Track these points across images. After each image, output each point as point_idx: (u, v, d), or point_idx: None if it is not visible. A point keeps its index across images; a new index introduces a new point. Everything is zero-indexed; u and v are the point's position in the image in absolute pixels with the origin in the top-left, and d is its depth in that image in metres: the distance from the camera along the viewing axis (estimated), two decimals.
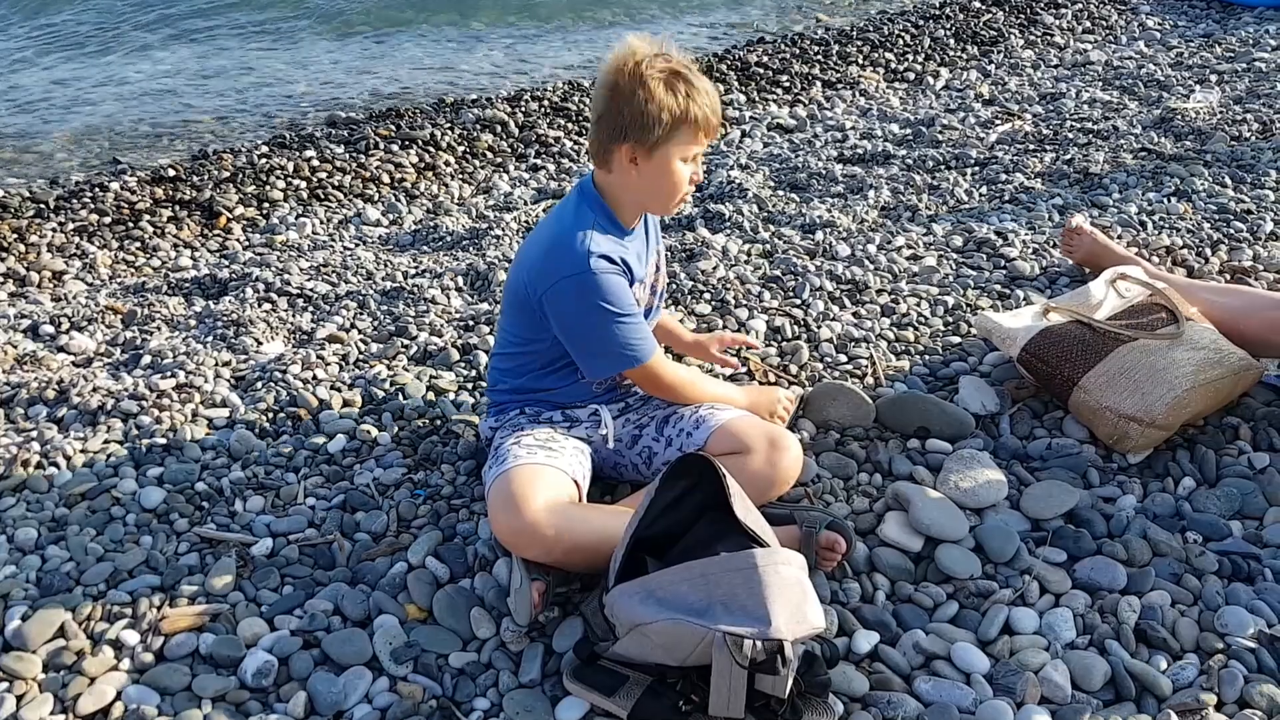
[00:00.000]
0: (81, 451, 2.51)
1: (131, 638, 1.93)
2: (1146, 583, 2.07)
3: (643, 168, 2.07)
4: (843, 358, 2.86)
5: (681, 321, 3.08)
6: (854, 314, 3.11)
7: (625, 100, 2.00)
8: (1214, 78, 5.65)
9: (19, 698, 1.81)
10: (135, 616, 1.98)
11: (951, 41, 7.07)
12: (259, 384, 2.80)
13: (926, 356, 2.86)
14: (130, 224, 4.52)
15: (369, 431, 2.58)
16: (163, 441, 2.53)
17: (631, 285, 2.14)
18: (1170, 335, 2.49)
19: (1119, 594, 2.04)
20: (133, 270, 4.09)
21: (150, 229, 4.46)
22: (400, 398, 2.72)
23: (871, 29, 7.63)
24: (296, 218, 4.55)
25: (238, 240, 4.38)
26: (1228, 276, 3.20)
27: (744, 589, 1.67)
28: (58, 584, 2.07)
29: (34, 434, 2.58)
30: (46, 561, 2.14)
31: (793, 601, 1.68)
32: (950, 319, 3.05)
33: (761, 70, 6.58)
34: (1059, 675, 1.85)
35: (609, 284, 2.05)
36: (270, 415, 2.66)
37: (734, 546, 1.78)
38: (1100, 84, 5.73)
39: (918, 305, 3.13)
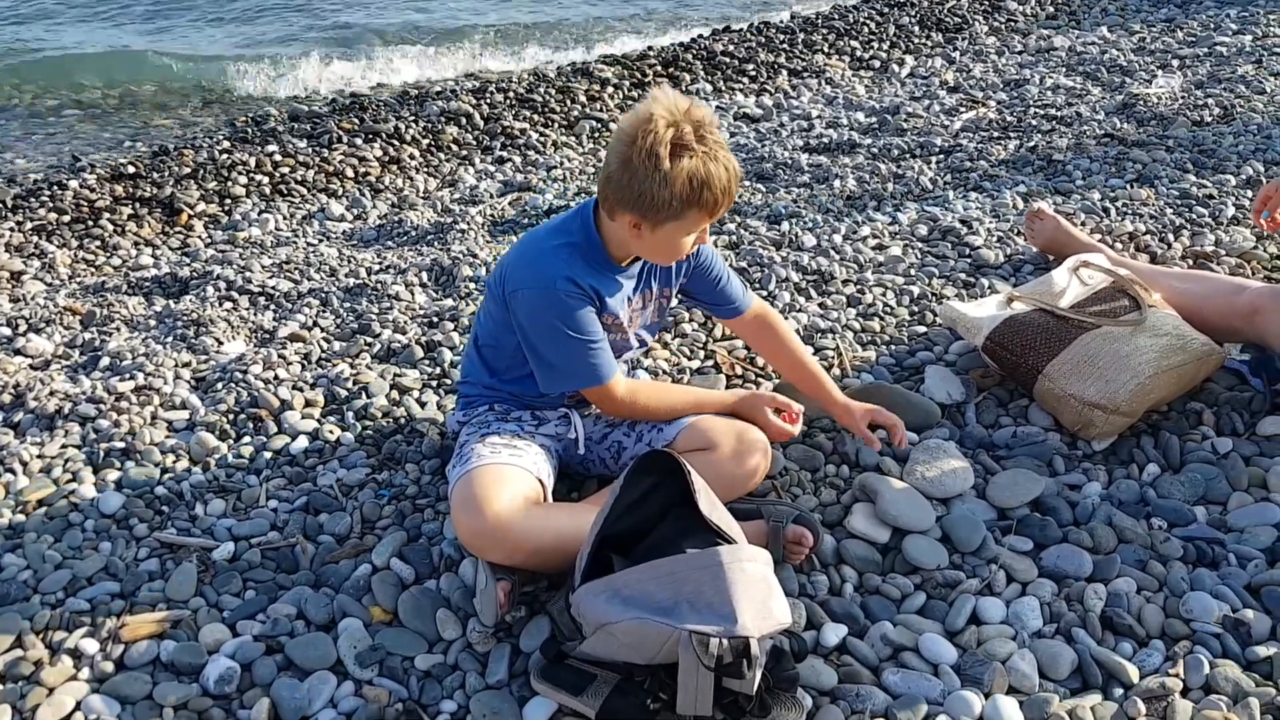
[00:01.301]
0: (39, 457, 2.46)
1: (91, 646, 1.89)
2: (1112, 570, 2.08)
3: (645, 235, 1.99)
4: (809, 349, 2.85)
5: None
6: (820, 305, 3.11)
7: (637, 177, 1.90)
8: (1176, 63, 5.69)
9: None
10: (94, 625, 1.95)
11: (916, 29, 7.09)
12: (219, 385, 2.76)
13: (893, 346, 2.86)
14: (90, 222, 4.45)
15: (332, 431, 2.55)
16: (121, 445, 2.49)
17: (602, 315, 2.10)
18: (1133, 322, 2.50)
19: (1085, 581, 2.05)
20: (93, 269, 4.03)
21: (110, 227, 4.40)
22: (364, 396, 2.69)
23: (837, 17, 7.64)
24: (259, 214, 4.50)
25: (199, 237, 4.33)
26: (1190, 262, 3.22)
27: (710, 587, 1.66)
28: (14, 593, 2.02)
29: None
30: (3, 570, 2.09)
31: (758, 598, 1.67)
32: (916, 308, 3.06)
33: (728, 60, 6.57)
34: (1026, 665, 1.85)
35: (569, 307, 2.01)
36: (231, 417, 2.62)
37: (700, 543, 1.77)
38: (1064, 70, 5.76)
39: (883, 295, 3.13)
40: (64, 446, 2.51)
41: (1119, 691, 1.82)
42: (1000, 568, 2.08)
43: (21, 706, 1.78)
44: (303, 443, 2.51)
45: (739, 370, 2.75)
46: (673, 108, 1.90)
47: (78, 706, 1.78)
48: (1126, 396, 2.35)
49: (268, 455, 2.47)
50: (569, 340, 2.04)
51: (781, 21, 7.66)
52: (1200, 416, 2.51)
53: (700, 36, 7.44)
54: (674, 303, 2.36)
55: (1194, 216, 3.54)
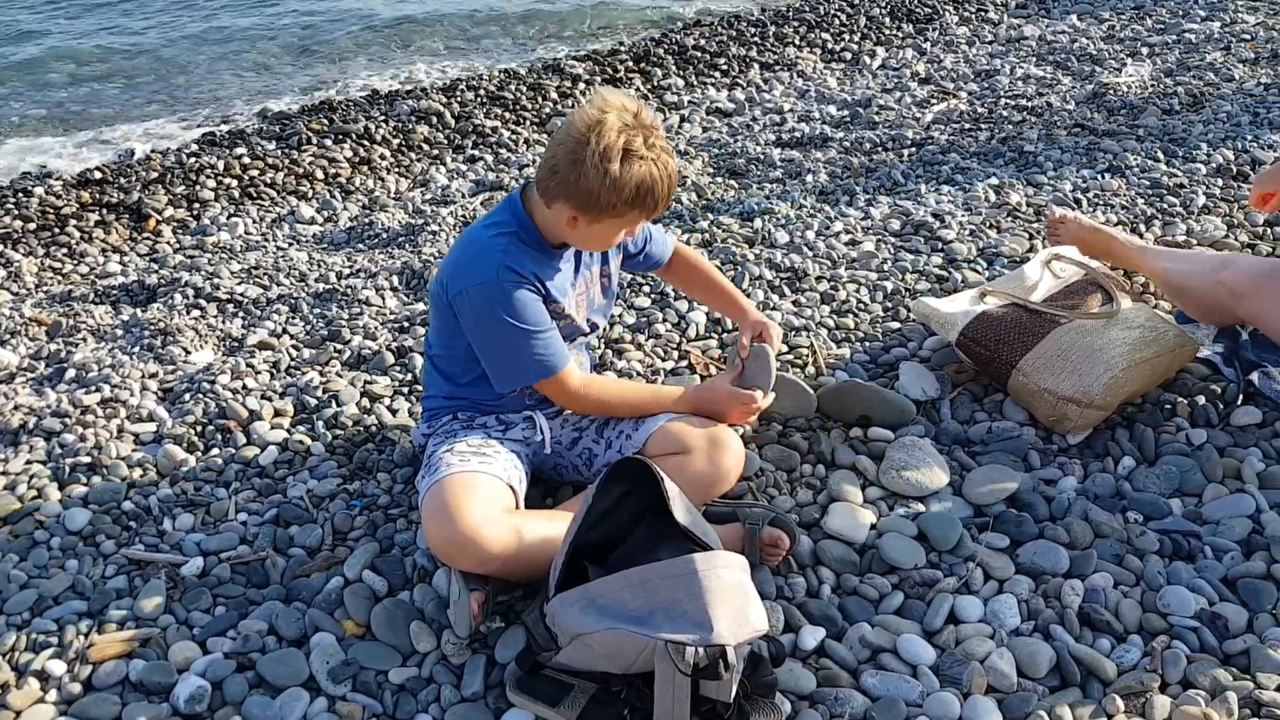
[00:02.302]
0: (2, 474, 2.42)
1: (58, 668, 1.86)
2: (1089, 565, 2.07)
3: (580, 228, 2.01)
4: (783, 347, 2.84)
5: (620, 316, 3.05)
6: (794, 302, 3.09)
7: (586, 177, 1.92)
8: (1145, 50, 5.70)
9: None
10: (62, 645, 1.92)
11: (887, 20, 7.08)
12: (187, 396, 2.72)
13: (867, 343, 2.85)
14: (56, 230, 4.38)
15: (302, 441, 2.51)
16: (87, 460, 2.45)
17: (547, 302, 2.09)
18: (1106, 314, 2.50)
19: (1062, 577, 2.04)
20: (60, 278, 3.97)
21: (77, 234, 4.33)
22: (334, 405, 2.66)
23: (807, 9, 7.62)
24: (228, 218, 4.44)
25: (168, 243, 4.27)
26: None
27: (685, 595, 1.65)
28: None
29: None
30: None
31: (735, 605, 1.66)
32: (889, 304, 3.05)
33: (699, 53, 6.54)
34: (1004, 664, 1.85)
35: (514, 297, 2.01)
36: (199, 428, 2.58)
37: (675, 551, 1.75)
38: (1034, 60, 5.76)
39: (857, 291, 3.12)
40: (29, 462, 2.47)
41: (1098, 689, 1.81)
42: (977, 565, 2.07)
43: None
44: (272, 453, 2.48)
45: (713, 370, 2.74)
46: (623, 111, 1.94)
47: None
48: (1100, 390, 2.35)
49: (236, 467, 2.44)
50: (516, 333, 2.03)
51: (752, 15, 7.63)
52: (1175, 408, 2.51)
53: (671, 30, 7.41)
54: (616, 280, 2.36)
55: (1165, 206, 3.54)
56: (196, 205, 4.62)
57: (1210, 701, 1.78)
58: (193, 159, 5.09)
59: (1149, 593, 2.01)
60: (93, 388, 2.78)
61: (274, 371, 2.88)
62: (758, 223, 3.70)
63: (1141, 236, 3.31)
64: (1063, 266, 2.72)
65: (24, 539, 2.21)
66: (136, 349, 3.05)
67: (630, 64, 6.41)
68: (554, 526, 1.92)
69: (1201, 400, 2.51)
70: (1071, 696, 1.80)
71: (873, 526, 2.18)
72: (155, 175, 4.90)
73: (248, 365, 2.88)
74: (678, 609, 1.64)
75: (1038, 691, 1.81)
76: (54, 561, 2.15)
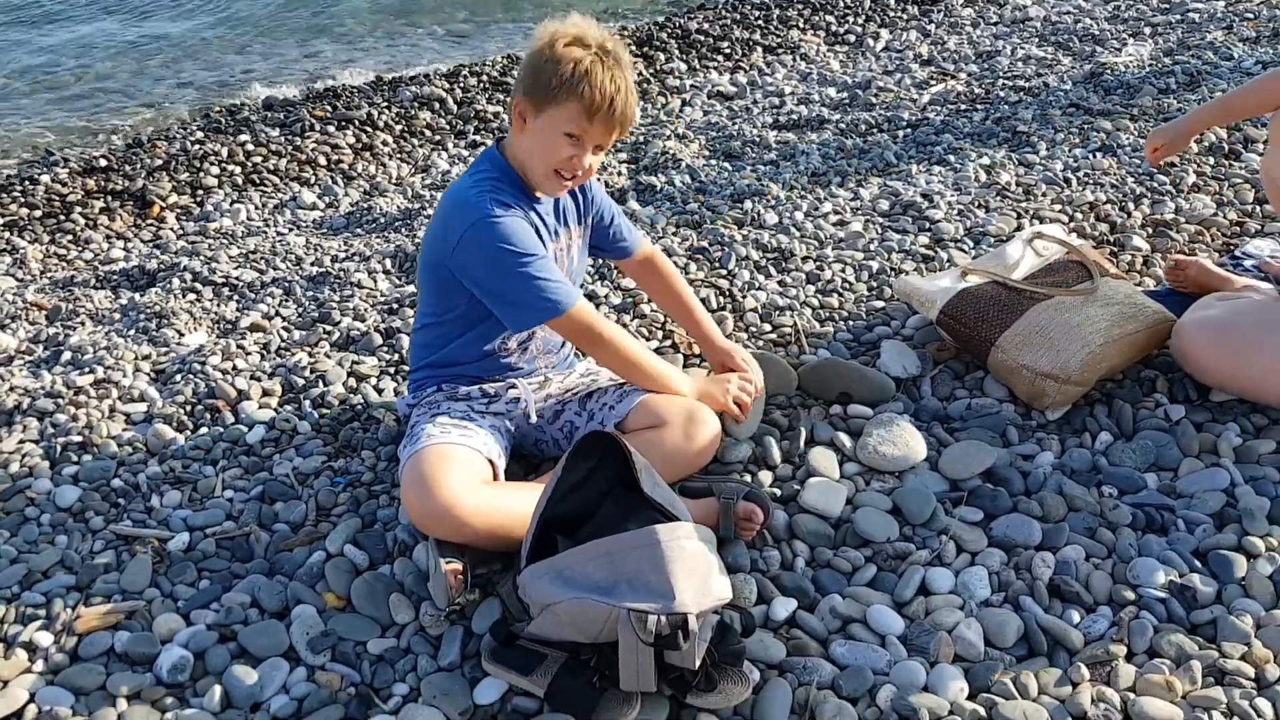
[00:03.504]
0: None
1: (45, 639, 1.91)
2: (1061, 538, 2.10)
3: (530, 127, 2.08)
4: (767, 326, 2.86)
5: (606, 297, 3.08)
6: (779, 282, 3.12)
7: (534, 55, 2.05)
8: (1148, 30, 5.68)
9: None
10: (50, 618, 1.96)
11: (892, 2, 7.07)
12: (178, 377, 2.77)
13: (850, 322, 2.87)
14: (62, 216, 4.46)
15: (289, 420, 2.56)
16: (79, 439, 2.51)
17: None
18: (1085, 291, 2.51)
19: (1034, 550, 2.06)
20: (64, 264, 4.03)
21: (82, 221, 4.40)
22: (321, 385, 2.70)
23: None
24: (231, 204, 4.50)
25: (171, 229, 4.33)
26: (1150, 230, 3.23)
27: (648, 565, 1.68)
28: None
29: None
30: None
31: (698, 575, 1.69)
32: (874, 284, 3.07)
33: (702, 38, 6.55)
34: (972, 633, 1.87)
35: (507, 226, 2.05)
36: (188, 408, 2.63)
37: (644, 522, 1.78)
38: (1037, 40, 5.75)
39: (842, 271, 3.14)
40: (21, 442, 2.52)
41: (1064, 658, 1.84)
42: (950, 538, 2.09)
43: None
44: (259, 432, 2.53)
45: (697, 351, 2.76)
46: (588, 22, 2.09)
47: (31, 699, 1.80)
48: (1078, 365, 2.36)
49: (224, 445, 2.49)
50: (520, 262, 2.05)
51: None
52: (1154, 384, 2.53)
53: (675, 14, 7.42)
54: (584, 250, 2.41)
55: (1155, 185, 3.54)
56: (200, 192, 4.68)
57: (1174, 670, 1.80)
58: (197, 146, 5.14)
59: (1120, 565, 2.03)
60: (86, 369, 2.83)
61: (264, 353, 2.93)
62: (747, 204, 3.72)
63: (1130, 215, 3.31)
64: (1045, 245, 2.74)
65: (15, 515, 2.27)
66: (131, 332, 3.11)
67: (633, 49, 6.42)
68: (529, 498, 1.95)
69: (1180, 376, 2.52)
70: (1038, 665, 1.82)
71: (848, 501, 2.20)
72: (160, 163, 4.96)
73: (238, 347, 2.93)
74: (641, 579, 1.67)
75: (1004, 660, 1.83)
76: (44, 537, 2.20)
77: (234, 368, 2.80)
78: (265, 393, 2.69)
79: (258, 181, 4.78)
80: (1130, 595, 1.96)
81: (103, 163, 5.03)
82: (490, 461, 2.10)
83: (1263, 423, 2.38)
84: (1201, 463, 2.28)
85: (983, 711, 1.73)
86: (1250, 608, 1.91)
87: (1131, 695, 1.75)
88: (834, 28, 6.62)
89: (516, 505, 1.97)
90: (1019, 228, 3.30)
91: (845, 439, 2.37)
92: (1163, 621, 1.90)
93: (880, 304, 2.94)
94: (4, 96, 6.58)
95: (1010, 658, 1.85)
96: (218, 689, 1.81)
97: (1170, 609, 1.93)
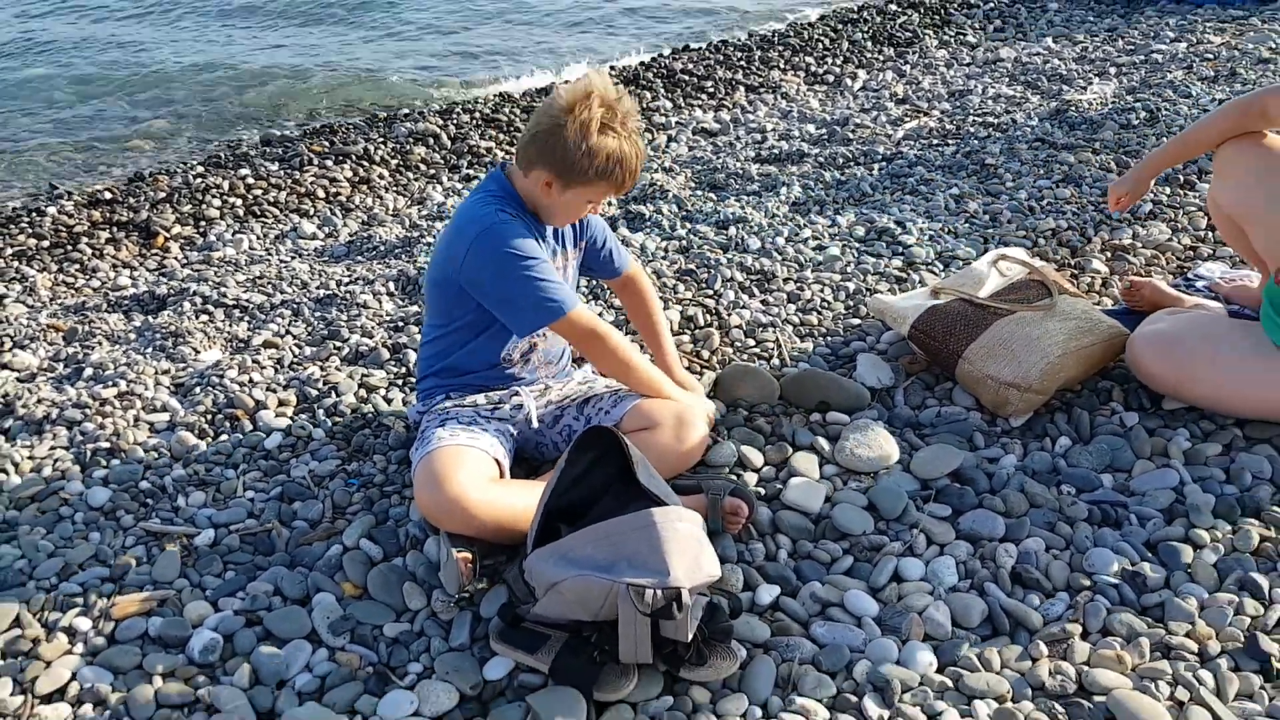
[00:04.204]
0: (29, 458, 2.62)
1: (84, 624, 2.05)
2: (1023, 531, 2.27)
3: (554, 194, 2.26)
4: (751, 342, 3.05)
5: (601, 314, 3.26)
6: (762, 301, 3.31)
7: (564, 143, 2.18)
8: (1113, 70, 5.93)
9: None
10: (87, 605, 2.11)
11: (869, 44, 7.33)
12: (197, 389, 2.93)
13: (829, 338, 3.06)
14: (69, 247, 4.60)
15: (304, 428, 2.72)
16: (106, 445, 2.66)
17: None
18: (1044, 307, 2.70)
19: (998, 542, 2.24)
20: (73, 291, 4.18)
21: (89, 251, 4.55)
22: (333, 395, 2.87)
23: (792, 34, 7.86)
24: (233, 234, 4.66)
25: (175, 259, 4.49)
26: (1109, 254, 3.44)
27: (645, 545, 1.84)
28: (10, 579, 2.18)
29: None
30: (0, 560, 2.26)
31: (690, 554, 1.86)
32: (851, 303, 3.26)
33: (687, 77, 6.78)
34: (940, 615, 2.04)
35: (513, 231, 2.23)
36: (209, 417, 2.79)
37: (639, 510, 1.95)
38: (1007, 80, 5.99)
39: (821, 292, 3.33)
40: (53, 448, 2.67)
41: (1025, 636, 2.01)
42: (920, 531, 2.26)
43: (21, 679, 1.93)
44: (276, 439, 2.69)
45: (685, 362, 2.94)
46: (606, 92, 2.19)
47: (73, 677, 1.94)
48: (1038, 375, 2.55)
49: (244, 451, 2.64)
50: (524, 266, 2.22)
51: (739, 40, 7.88)
52: (1110, 393, 2.71)
53: (660, 55, 7.66)
54: (577, 270, 2.58)
55: (1114, 213, 3.76)
56: (203, 223, 4.84)
57: (1125, 646, 1.97)
58: (199, 179, 5.31)
59: (1077, 555, 2.20)
60: (109, 383, 2.99)
61: (278, 367, 3.09)
62: (732, 230, 3.93)
63: (1090, 240, 3.53)
64: (1009, 265, 2.93)
65: (50, 515, 2.41)
66: (149, 350, 3.27)
67: (620, 87, 6.65)
68: (531, 493, 2.12)
69: (1135, 386, 2.71)
70: (1000, 643, 1.99)
71: (827, 499, 2.37)
72: (163, 195, 5.13)
73: (253, 362, 3.09)
74: (639, 558, 1.84)
75: (970, 639, 2.00)
76: (78, 534, 2.34)
77: (250, 380, 2.96)
78: (281, 403, 2.85)
79: (258, 213, 4.95)
80: (1086, 582, 2.13)
81: (107, 195, 5.19)
82: (496, 461, 2.27)
83: (1210, 428, 2.57)
84: (1153, 464, 2.46)
85: (950, 683, 1.90)
86: (1195, 591, 2.09)
87: (1086, 668, 1.91)
88: (814, 68, 6.86)
89: (520, 500, 2.14)
90: (985, 252, 3.51)
91: (824, 443, 2.55)
92: (1115, 604, 2.07)
93: (857, 321, 3.13)
94: (9, 131, 6.73)
95: (975, 637, 2.01)
96: (246, 668, 1.95)
97: (1122, 593, 2.10)
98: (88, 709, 1.88)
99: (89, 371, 3.11)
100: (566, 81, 2.42)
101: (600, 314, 3.27)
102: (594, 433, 2.05)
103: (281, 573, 2.19)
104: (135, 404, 2.86)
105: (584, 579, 1.84)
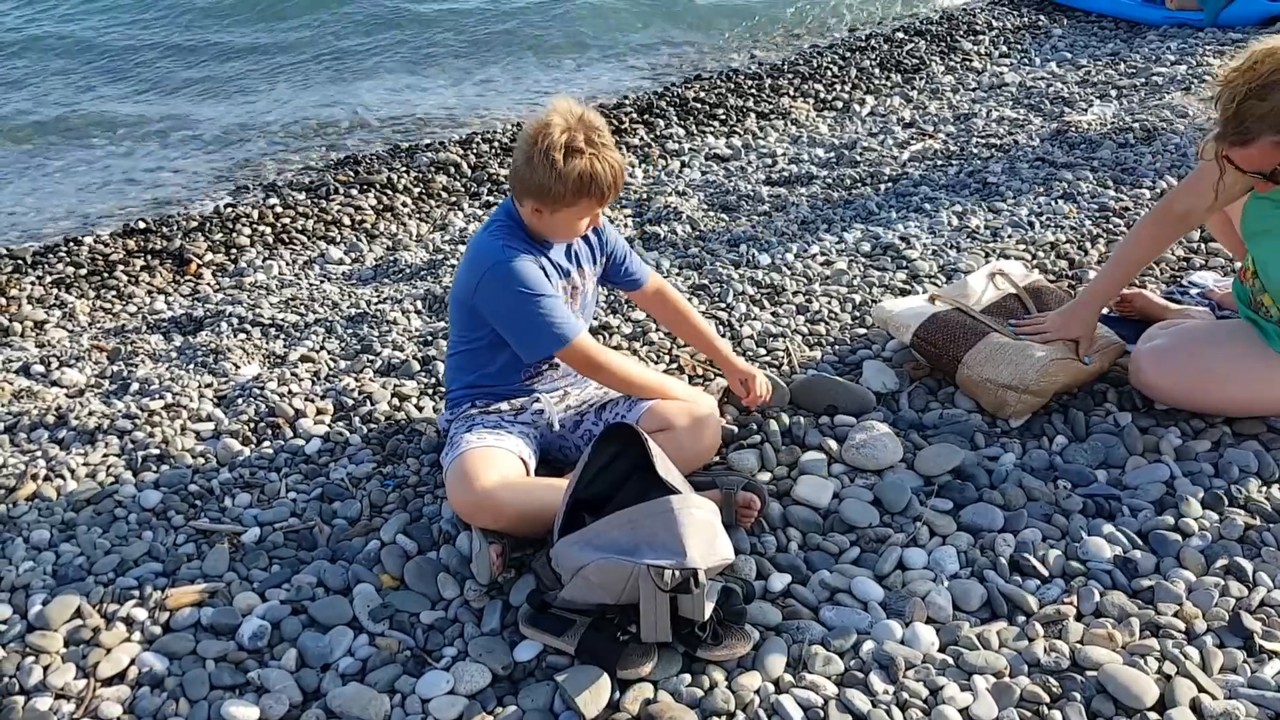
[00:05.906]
0: (84, 465, 2.79)
1: (141, 614, 2.21)
2: (1021, 522, 2.41)
3: (546, 219, 2.42)
4: (762, 351, 3.19)
5: (619, 326, 3.41)
6: (772, 313, 3.46)
7: (535, 171, 2.32)
8: (1114, 92, 6.09)
9: (45, 668, 2.08)
10: (143, 597, 2.26)
11: (877, 71, 7.48)
12: (240, 400, 3.10)
13: (836, 346, 3.21)
14: (105, 274, 4.78)
15: (341, 434, 2.88)
16: (156, 452, 2.82)
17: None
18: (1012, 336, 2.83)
19: (997, 533, 2.38)
20: (110, 316, 4.36)
21: (125, 278, 4.73)
22: (368, 404, 3.03)
23: (802, 62, 8.02)
24: (263, 261, 4.84)
25: (208, 284, 4.66)
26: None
27: (663, 529, 1.99)
28: (72, 574, 2.35)
29: (39, 453, 2.86)
30: (60, 557, 2.41)
31: (705, 537, 2.01)
32: (858, 314, 3.40)
33: (699, 105, 6.94)
34: (942, 599, 2.18)
35: (522, 269, 2.38)
36: (252, 425, 2.95)
37: (658, 498, 2.09)
38: (1011, 103, 6.14)
39: (829, 304, 3.48)
40: (105, 455, 2.84)
41: (1022, 618, 2.14)
42: (924, 524, 2.41)
43: (84, 664, 2.08)
44: (316, 444, 2.85)
45: (699, 371, 3.09)
46: (568, 114, 2.32)
47: (133, 662, 2.10)
48: (1034, 376, 2.68)
49: (286, 456, 2.81)
50: (533, 301, 2.38)
51: (749, 69, 8.06)
52: (1105, 395, 2.85)
53: (673, 84, 7.84)
54: (596, 285, 2.73)
55: (1110, 227, 3.91)
56: (234, 250, 5.02)
57: (1116, 625, 2.11)
58: (229, 209, 5.51)
59: (1072, 544, 2.34)
60: (155, 396, 3.16)
61: (315, 379, 3.26)
62: (743, 248, 4.09)
63: (1087, 253, 3.68)
64: (1002, 281, 3.08)
65: (105, 515, 2.58)
66: (191, 366, 3.44)
67: (634, 115, 6.82)
68: (555, 488, 2.28)
69: (1129, 388, 2.84)
70: (999, 625, 2.13)
71: (835, 494, 2.51)
72: (195, 224, 5.31)
73: (292, 374, 3.26)
74: (658, 541, 1.99)
75: (970, 620, 2.14)
76: (132, 533, 2.50)
77: (289, 391, 3.13)
78: (319, 411, 3.01)
79: (287, 240, 5.13)
80: (1080, 568, 2.27)
81: (141, 225, 5.39)
82: (522, 460, 2.43)
83: (1200, 426, 2.70)
84: (1145, 460, 2.60)
85: (950, 660, 2.04)
86: (1184, 575, 2.23)
87: (1079, 646, 2.05)
88: (822, 95, 7.01)
89: (545, 495, 2.29)
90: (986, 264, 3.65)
91: (832, 443, 2.69)
92: (1108, 588, 2.21)
93: (863, 331, 3.28)
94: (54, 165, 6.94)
95: (975, 619, 2.15)
96: (293, 652, 2.11)
97: (1115, 578, 2.24)
98: (146, 690, 2.03)
99: (135, 386, 3.28)
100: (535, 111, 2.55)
101: (619, 326, 3.42)
102: (616, 428, 2.21)
103: (324, 566, 2.35)
104: (181, 414, 3.02)
105: (608, 561, 1.99)
